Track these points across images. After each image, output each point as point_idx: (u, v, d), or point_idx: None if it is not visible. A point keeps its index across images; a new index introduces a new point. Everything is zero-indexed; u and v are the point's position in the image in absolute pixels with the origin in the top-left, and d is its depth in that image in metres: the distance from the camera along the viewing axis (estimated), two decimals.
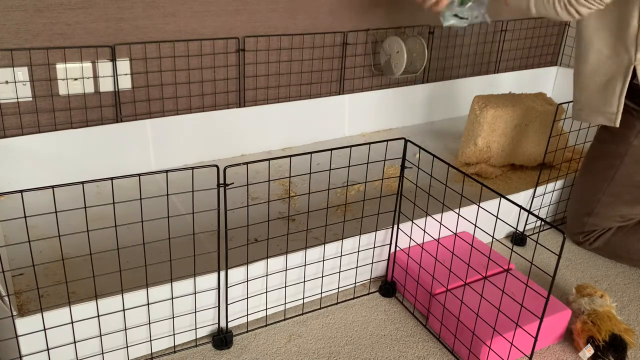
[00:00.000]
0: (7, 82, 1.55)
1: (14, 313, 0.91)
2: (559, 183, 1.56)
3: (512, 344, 1.08)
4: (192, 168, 0.96)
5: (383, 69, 2.11)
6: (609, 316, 1.15)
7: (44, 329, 0.94)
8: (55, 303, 1.17)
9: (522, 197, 1.48)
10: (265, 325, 1.18)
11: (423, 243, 1.28)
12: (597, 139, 1.50)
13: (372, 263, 1.30)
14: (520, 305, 1.08)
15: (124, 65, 1.69)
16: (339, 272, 1.25)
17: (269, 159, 1.06)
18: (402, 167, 1.17)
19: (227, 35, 1.83)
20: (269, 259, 1.12)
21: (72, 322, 0.96)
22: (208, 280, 1.07)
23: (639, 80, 1.33)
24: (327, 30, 2.02)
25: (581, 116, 1.44)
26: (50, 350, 0.96)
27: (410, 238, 1.29)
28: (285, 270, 1.16)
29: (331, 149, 1.11)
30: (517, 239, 1.52)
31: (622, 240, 1.45)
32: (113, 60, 1.67)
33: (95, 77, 1.66)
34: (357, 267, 1.27)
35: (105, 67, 1.67)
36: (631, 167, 1.41)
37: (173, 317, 1.07)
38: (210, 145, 1.84)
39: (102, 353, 1.02)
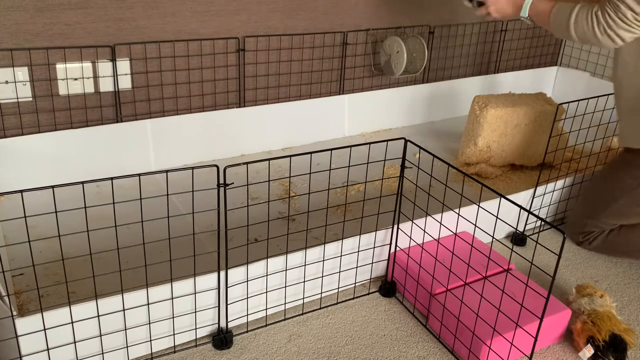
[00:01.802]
0: (7, 82, 1.55)
1: (14, 313, 0.91)
2: (559, 183, 1.56)
3: (512, 344, 1.08)
4: (192, 168, 0.96)
5: (383, 69, 2.11)
6: (609, 316, 1.15)
7: (44, 329, 0.94)
8: (55, 303, 1.17)
9: (522, 197, 1.48)
10: (265, 325, 1.18)
11: (423, 243, 1.28)
12: (627, 150, 1.47)
13: (372, 263, 1.30)
14: (520, 305, 1.08)
15: (124, 65, 1.69)
16: (339, 272, 1.25)
17: (269, 159, 1.06)
18: (402, 167, 1.17)
19: (227, 35, 1.83)
20: (269, 259, 1.12)
21: (72, 322, 0.96)
22: (208, 280, 1.07)
23: None
24: (327, 30, 2.02)
25: (629, 142, 1.42)
26: (50, 350, 0.96)
27: (410, 238, 1.29)
28: (285, 270, 1.16)
29: (331, 149, 1.11)
30: (517, 239, 1.52)
31: (619, 237, 1.46)
32: (113, 60, 1.67)
33: (95, 77, 1.67)
34: (357, 267, 1.27)
35: (105, 67, 1.67)
36: None
37: (173, 317, 1.07)
38: (210, 145, 1.84)
39: (102, 353, 1.02)
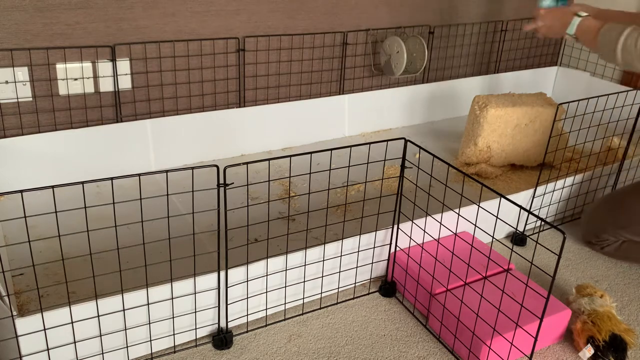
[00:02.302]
0: (7, 82, 1.55)
1: (14, 313, 0.91)
2: (559, 183, 1.56)
3: (512, 344, 1.08)
4: (192, 168, 0.96)
5: (383, 69, 2.11)
6: (609, 316, 1.15)
7: (44, 329, 0.94)
8: (55, 303, 1.17)
9: (522, 197, 1.48)
10: (265, 325, 1.18)
11: (423, 243, 1.28)
12: None
13: (372, 263, 1.30)
14: (520, 305, 1.08)
15: (124, 65, 1.69)
16: (339, 272, 1.25)
17: (269, 159, 1.06)
18: (402, 167, 1.17)
19: (227, 35, 1.83)
20: (269, 259, 1.12)
21: (72, 322, 0.96)
22: (208, 280, 1.07)
23: None
24: (327, 30, 2.02)
25: None
26: (50, 350, 0.96)
27: (410, 238, 1.29)
28: (285, 270, 1.16)
29: (331, 149, 1.11)
30: (517, 239, 1.52)
31: (633, 246, 1.44)
32: (113, 60, 1.67)
33: (95, 77, 1.67)
34: (357, 267, 1.27)
35: (105, 67, 1.67)
36: None
37: (173, 317, 1.07)
38: (210, 145, 1.84)
39: (102, 353, 1.02)
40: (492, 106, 1.78)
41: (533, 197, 1.50)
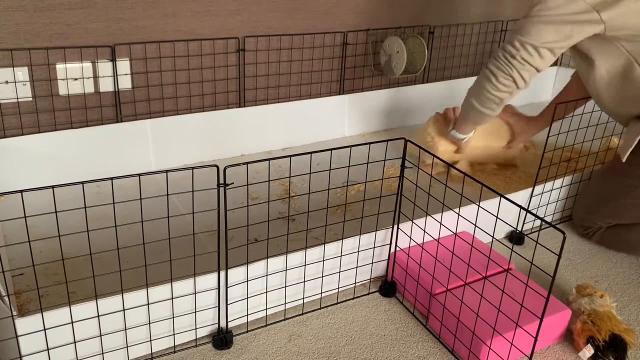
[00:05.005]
0: (7, 82, 1.55)
1: (14, 313, 0.91)
2: (557, 182, 1.56)
3: (512, 344, 1.08)
4: (192, 168, 0.96)
5: (383, 69, 2.11)
6: (609, 316, 1.15)
7: (44, 329, 0.94)
8: (55, 303, 1.17)
9: (521, 196, 1.48)
10: (265, 325, 1.18)
11: (423, 243, 1.28)
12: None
13: (372, 263, 1.30)
14: (520, 305, 1.08)
15: (124, 65, 1.69)
16: (339, 272, 1.25)
17: (269, 159, 1.06)
18: (402, 167, 1.17)
19: (227, 35, 1.83)
20: (269, 259, 1.12)
21: (72, 322, 0.96)
22: (208, 280, 1.07)
23: None
24: (327, 30, 2.02)
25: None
26: (50, 350, 0.96)
27: (410, 238, 1.29)
28: (285, 270, 1.16)
29: (331, 149, 1.11)
30: (516, 237, 1.52)
31: (613, 234, 1.49)
32: (113, 60, 1.67)
33: (95, 77, 1.67)
34: (357, 267, 1.27)
35: (105, 67, 1.67)
36: None
37: (173, 317, 1.07)
38: (210, 145, 1.84)
39: (102, 353, 1.02)
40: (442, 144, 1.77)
41: (531, 197, 1.50)
